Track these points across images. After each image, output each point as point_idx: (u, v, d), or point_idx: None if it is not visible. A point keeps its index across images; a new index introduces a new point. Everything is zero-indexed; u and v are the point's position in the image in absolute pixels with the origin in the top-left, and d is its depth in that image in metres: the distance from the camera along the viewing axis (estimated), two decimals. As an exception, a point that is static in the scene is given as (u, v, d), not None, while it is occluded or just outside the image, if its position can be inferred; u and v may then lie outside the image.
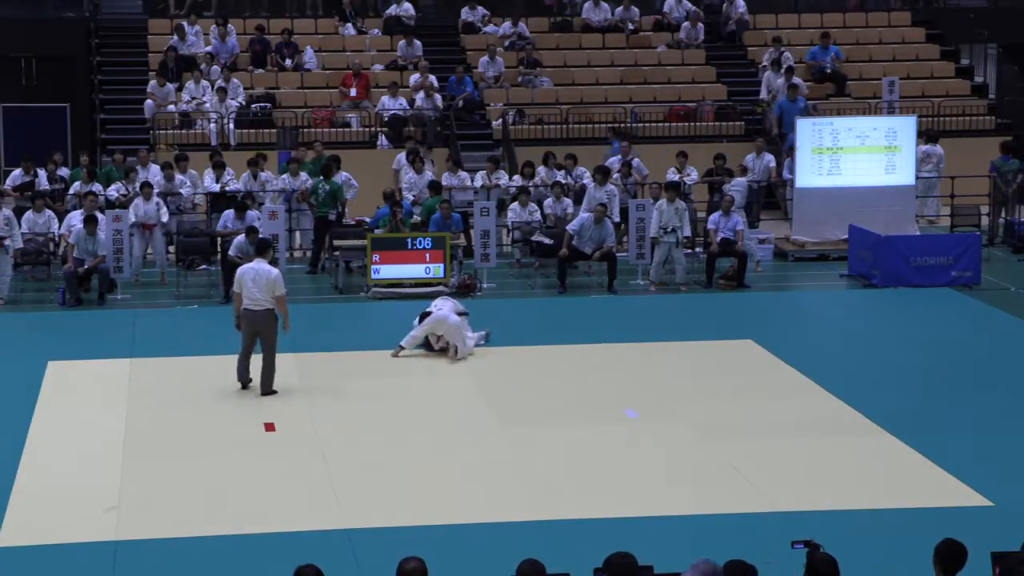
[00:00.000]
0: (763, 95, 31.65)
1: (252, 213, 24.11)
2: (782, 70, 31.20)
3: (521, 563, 8.36)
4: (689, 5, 34.10)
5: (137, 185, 25.48)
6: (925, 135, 28.79)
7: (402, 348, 19.44)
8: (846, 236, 25.10)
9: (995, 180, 27.66)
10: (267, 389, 17.94)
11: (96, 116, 31.43)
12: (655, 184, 25.84)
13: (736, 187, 26.04)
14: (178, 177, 25.99)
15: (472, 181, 27.03)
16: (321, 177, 25.44)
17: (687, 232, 24.16)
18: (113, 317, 22.23)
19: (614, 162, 27.32)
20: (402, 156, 27.81)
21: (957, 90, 32.88)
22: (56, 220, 24.35)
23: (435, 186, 25.91)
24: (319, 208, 25.20)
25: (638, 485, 14.61)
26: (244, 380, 18.09)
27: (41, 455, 15.55)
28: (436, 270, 23.16)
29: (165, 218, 24.68)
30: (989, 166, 27.87)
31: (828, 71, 32.54)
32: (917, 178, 26.98)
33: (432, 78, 31.11)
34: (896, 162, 26.08)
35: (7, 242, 23.11)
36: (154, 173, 26.19)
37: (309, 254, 25.78)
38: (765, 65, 32.18)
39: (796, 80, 30.68)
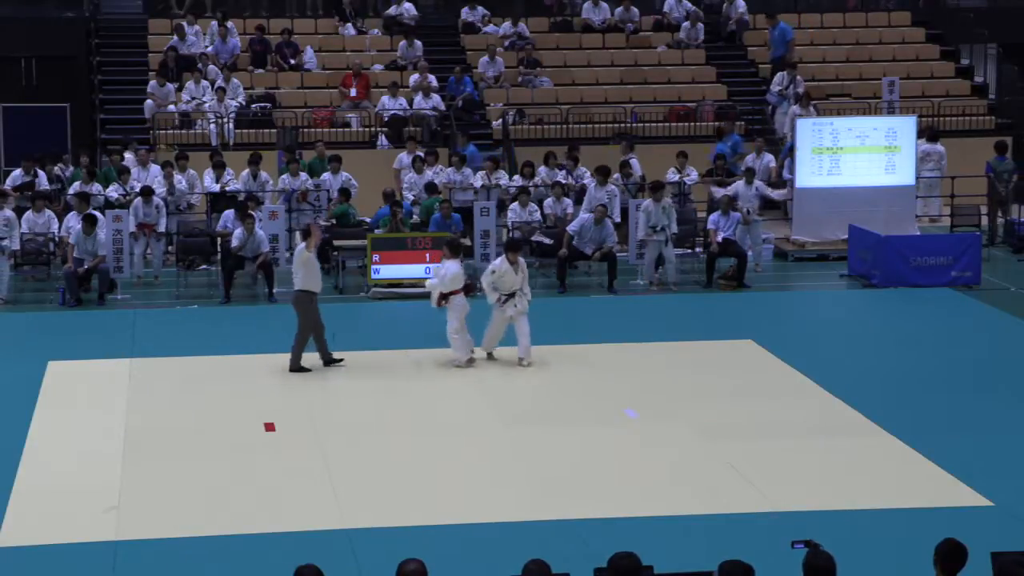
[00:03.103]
0: (784, 129, 30.80)
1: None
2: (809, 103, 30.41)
3: (528, 562, 8.36)
4: (689, 5, 34.10)
5: (132, 185, 25.58)
6: (925, 133, 28.77)
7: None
8: (846, 236, 25.10)
9: (991, 180, 27.66)
10: (291, 365, 18.59)
11: (96, 116, 31.43)
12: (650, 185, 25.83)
13: (747, 200, 25.45)
14: (176, 177, 25.99)
15: (472, 181, 27.05)
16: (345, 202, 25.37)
17: (674, 229, 24.05)
18: (113, 317, 22.23)
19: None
20: (404, 156, 27.80)
21: (957, 90, 32.89)
22: (56, 220, 24.35)
23: (431, 187, 25.95)
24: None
25: (638, 485, 14.61)
26: (325, 359, 18.79)
27: (41, 455, 15.55)
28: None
29: (163, 226, 24.61)
30: (985, 167, 27.87)
31: (779, 55, 32.12)
32: (918, 178, 26.99)
33: (432, 78, 31.12)
34: (896, 162, 26.08)
35: (4, 243, 23.12)
36: (154, 173, 26.21)
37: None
38: (784, 94, 31.29)
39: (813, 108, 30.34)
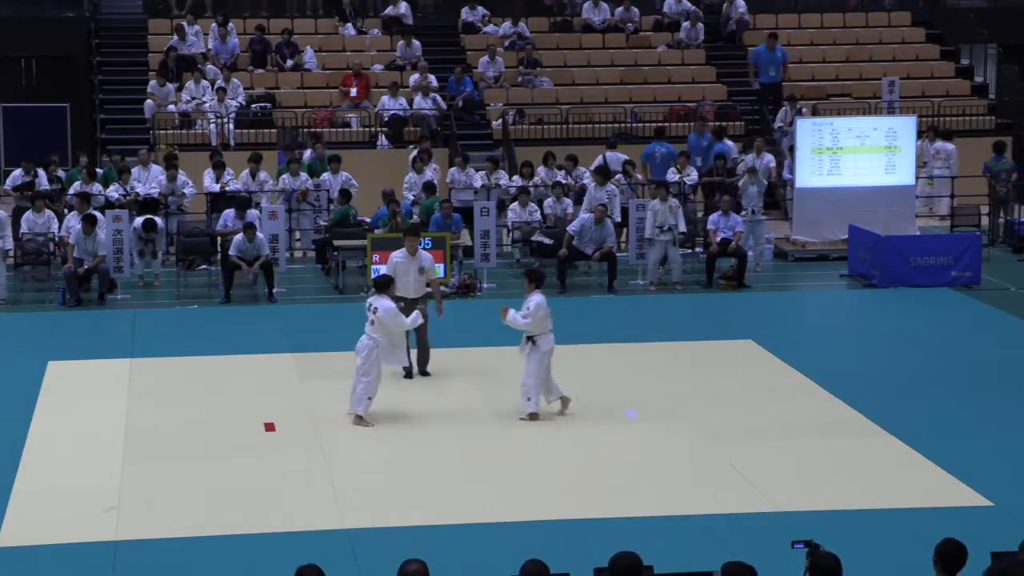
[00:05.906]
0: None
1: (252, 212, 24.14)
2: None
3: (525, 563, 8.36)
4: (689, 5, 34.09)
5: (133, 185, 25.59)
6: (936, 133, 28.72)
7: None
8: (846, 236, 25.11)
9: (989, 180, 27.64)
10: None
11: (96, 116, 31.44)
12: (653, 184, 25.80)
13: (751, 200, 25.48)
14: (180, 178, 25.99)
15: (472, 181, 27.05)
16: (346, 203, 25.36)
17: (683, 228, 24.14)
18: (113, 317, 22.23)
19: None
20: (415, 154, 27.76)
21: (957, 90, 32.89)
22: (56, 220, 24.35)
23: (430, 186, 25.94)
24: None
25: (638, 485, 14.61)
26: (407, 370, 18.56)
27: (41, 455, 15.55)
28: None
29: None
30: (982, 167, 27.85)
31: (772, 77, 31.62)
32: (921, 177, 26.95)
33: (432, 78, 31.12)
34: (896, 162, 26.08)
35: None
36: (155, 173, 26.20)
37: (312, 254, 25.83)
38: (786, 130, 30.09)
39: None
